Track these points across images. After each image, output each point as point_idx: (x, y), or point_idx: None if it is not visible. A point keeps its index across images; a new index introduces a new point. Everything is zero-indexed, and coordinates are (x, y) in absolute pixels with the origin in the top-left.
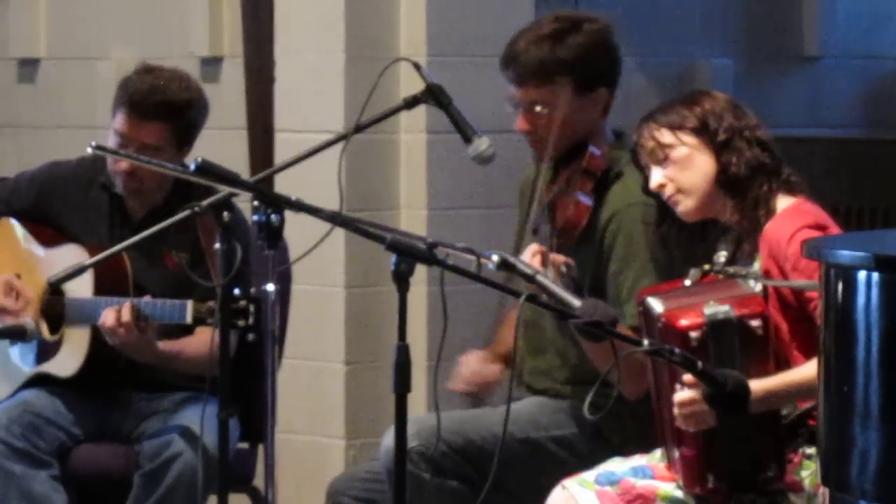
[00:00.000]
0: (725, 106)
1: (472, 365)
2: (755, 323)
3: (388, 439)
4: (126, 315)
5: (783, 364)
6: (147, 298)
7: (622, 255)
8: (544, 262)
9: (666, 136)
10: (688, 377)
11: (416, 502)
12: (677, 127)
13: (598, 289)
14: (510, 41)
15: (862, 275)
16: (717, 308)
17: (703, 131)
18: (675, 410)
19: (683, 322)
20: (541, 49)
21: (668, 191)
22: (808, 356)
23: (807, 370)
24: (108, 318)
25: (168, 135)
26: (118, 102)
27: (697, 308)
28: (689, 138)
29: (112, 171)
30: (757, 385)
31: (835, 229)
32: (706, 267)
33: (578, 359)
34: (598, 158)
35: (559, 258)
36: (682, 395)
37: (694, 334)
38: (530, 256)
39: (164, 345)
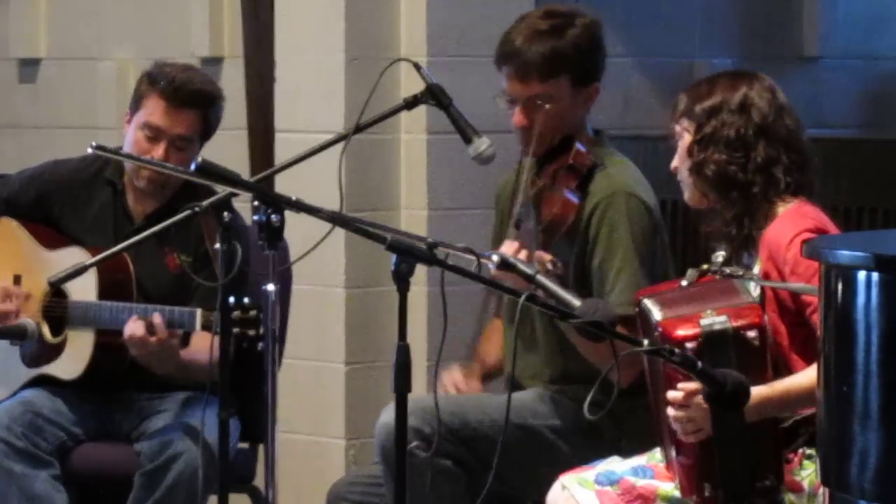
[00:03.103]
0: (756, 96)
1: (457, 380)
2: (751, 334)
3: (385, 416)
4: (162, 330)
5: (782, 369)
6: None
7: (606, 244)
8: (528, 258)
9: (677, 122)
10: (681, 390)
11: (409, 479)
12: (686, 113)
13: (584, 279)
14: (504, 37)
15: (862, 275)
16: (713, 319)
17: (700, 124)
18: (673, 425)
19: (680, 332)
20: (543, 44)
21: (678, 176)
22: (807, 360)
23: (804, 377)
24: (136, 328)
25: (199, 126)
26: (148, 93)
27: (694, 318)
28: (690, 128)
29: (133, 167)
30: (752, 393)
31: (834, 231)
32: (704, 267)
33: (567, 358)
34: (585, 154)
35: (546, 256)
36: (675, 412)
37: (690, 345)
38: (512, 250)
39: (183, 353)
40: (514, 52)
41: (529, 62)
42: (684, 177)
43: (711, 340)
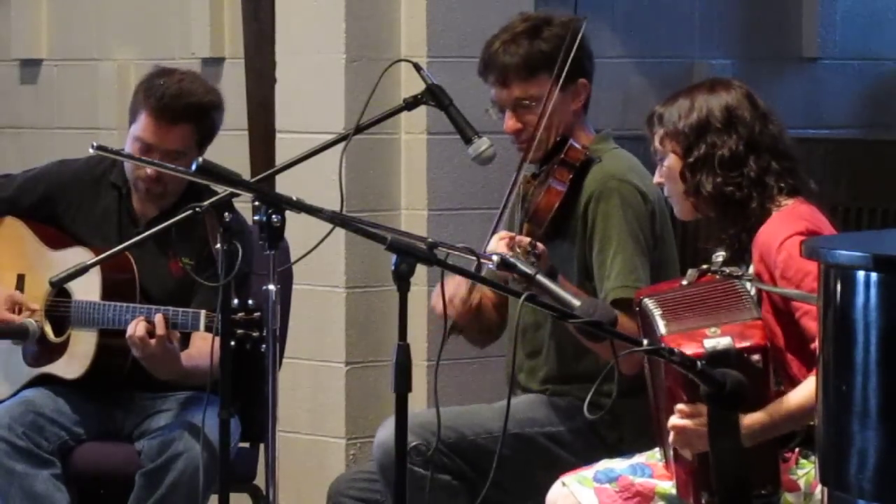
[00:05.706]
0: (738, 108)
1: (460, 289)
2: (755, 357)
3: (382, 435)
4: (161, 328)
5: (778, 369)
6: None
7: (601, 232)
8: (511, 247)
9: (659, 141)
10: (682, 406)
11: (409, 496)
12: (670, 133)
13: (588, 274)
14: (485, 47)
15: (861, 275)
16: (717, 340)
17: (689, 146)
18: (671, 438)
19: (684, 352)
20: (519, 46)
21: (665, 191)
22: (802, 360)
23: (797, 396)
24: (137, 328)
25: (193, 138)
26: (141, 108)
27: (698, 336)
28: (677, 149)
29: (133, 176)
30: (748, 420)
31: (830, 232)
32: (704, 267)
33: (574, 356)
34: (578, 150)
35: (524, 239)
36: (676, 421)
37: None
38: (496, 241)
39: (185, 360)
40: (493, 58)
41: (508, 65)
42: (672, 193)
43: (714, 361)
